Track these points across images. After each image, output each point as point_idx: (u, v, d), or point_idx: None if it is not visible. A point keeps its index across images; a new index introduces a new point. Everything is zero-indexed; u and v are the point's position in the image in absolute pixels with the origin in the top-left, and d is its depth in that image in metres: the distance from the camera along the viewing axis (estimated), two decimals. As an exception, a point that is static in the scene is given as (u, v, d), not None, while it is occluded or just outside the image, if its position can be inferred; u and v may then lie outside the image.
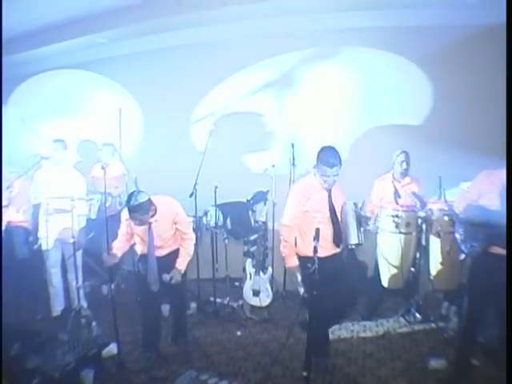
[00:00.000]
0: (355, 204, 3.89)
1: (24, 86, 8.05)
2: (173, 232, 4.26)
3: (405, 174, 5.17)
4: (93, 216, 5.42)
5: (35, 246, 5.26)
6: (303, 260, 3.79)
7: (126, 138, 6.58)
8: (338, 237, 3.90)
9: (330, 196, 3.88)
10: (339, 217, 3.89)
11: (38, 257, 5.27)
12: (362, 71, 6.43)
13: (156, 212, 4.03)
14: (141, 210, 3.86)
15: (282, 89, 6.76)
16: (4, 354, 3.84)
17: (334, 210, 3.88)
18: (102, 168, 4.27)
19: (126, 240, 4.30)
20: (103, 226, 4.47)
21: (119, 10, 6.14)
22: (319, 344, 4.02)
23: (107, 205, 5.09)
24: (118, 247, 4.23)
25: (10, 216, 5.47)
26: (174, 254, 4.29)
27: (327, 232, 3.86)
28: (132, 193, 3.91)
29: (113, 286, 4.27)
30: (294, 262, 3.86)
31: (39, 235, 5.20)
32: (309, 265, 3.19)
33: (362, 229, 3.89)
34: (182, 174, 5.62)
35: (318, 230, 3.31)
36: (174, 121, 7.01)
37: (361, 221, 3.88)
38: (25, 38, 6.90)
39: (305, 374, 3.27)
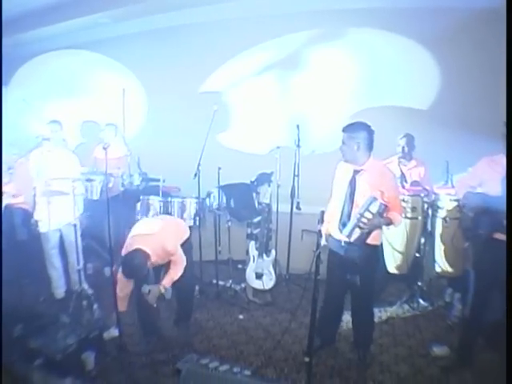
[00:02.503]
0: (379, 205, 3.46)
1: (26, 66, 7.95)
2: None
3: (410, 157, 5.19)
4: (95, 197, 5.37)
5: (37, 228, 5.23)
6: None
7: (130, 118, 6.53)
8: (344, 223, 3.70)
9: (354, 177, 3.71)
10: (355, 202, 3.67)
11: (40, 239, 5.24)
12: (368, 53, 6.33)
13: (150, 258, 3.94)
14: (137, 272, 3.88)
15: (288, 70, 6.66)
16: (7, 335, 3.84)
17: (354, 192, 3.70)
18: (104, 148, 4.21)
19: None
20: (105, 207, 4.40)
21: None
22: (326, 328, 4.08)
23: (110, 185, 5.03)
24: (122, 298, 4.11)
25: (11, 197, 5.43)
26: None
27: (336, 213, 3.80)
28: (126, 255, 3.90)
29: (114, 268, 4.21)
30: None
31: (37, 217, 5.17)
32: (313, 249, 3.13)
33: (357, 229, 3.56)
34: (185, 155, 5.57)
35: (322, 213, 3.25)
36: (177, 101, 6.90)
37: (362, 222, 3.52)
38: (27, 18, 6.79)
39: (307, 359, 3.23)
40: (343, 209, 3.75)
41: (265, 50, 6.74)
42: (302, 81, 6.61)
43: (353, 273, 3.78)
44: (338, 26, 6.34)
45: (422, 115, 5.99)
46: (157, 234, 4.12)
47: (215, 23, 6.64)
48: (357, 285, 3.78)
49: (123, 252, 4.00)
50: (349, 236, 3.59)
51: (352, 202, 3.70)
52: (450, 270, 4.75)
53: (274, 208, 5.74)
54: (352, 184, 3.71)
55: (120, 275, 3.99)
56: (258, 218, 5.45)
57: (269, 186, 5.67)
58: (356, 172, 3.70)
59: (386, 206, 3.49)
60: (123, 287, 4.06)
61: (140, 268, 3.84)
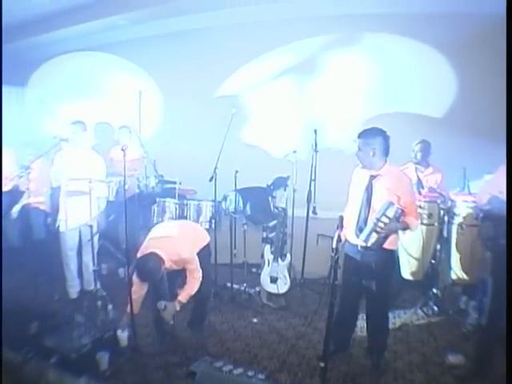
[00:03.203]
0: (396, 210, 3.45)
1: (44, 68, 8.06)
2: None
3: (426, 163, 5.19)
4: (111, 198, 5.41)
5: (54, 228, 5.26)
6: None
7: (146, 120, 6.56)
8: (361, 228, 3.71)
9: (370, 182, 3.71)
10: (372, 207, 3.67)
11: (56, 238, 5.26)
12: (384, 58, 6.31)
13: (165, 263, 3.98)
14: (151, 275, 3.92)
15: (305, 74, 6.65)
16: (23, 333, 3.88)
17: (370, 197, 3.70)
18: (122, 150, 4.23)
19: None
20: (121, 208, 4.42)
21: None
22: (341, 333, 4.05)
23: (126, 187, 5.05)
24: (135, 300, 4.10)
25: (29, 197, 5.47)
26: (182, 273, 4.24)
27: (353, 218, 3.79)
28: (141, 258, 3.94)
29: (130, 269, 4.22)
30: None
31: (59, 217, 5.19)
32: (331, 254, 3.12)
33: (374, 234, 3.57)
34: (201, 158, 5.58)
35: (341, 218, 3.23)
36: (194, 104, 6.96)
37: (378, 227, 3.53)
38: (45, 20, 6.88)
39: (322, 364, 3.21)
40: (360, 214, 3.74)
41: (281, 55, 6.74)
42: (318, 85, 6.60)
43: (369, 278, 3.78)
44: (354, 31, 6.33)
45: (437, 121, 5.96)
46: (173, 238, 4.15)
47: (232, 27, 6.66)
48: (372, 290, 3.78)
49: (138, 254, 4.02)
50: (366, 241, 3.59)
51: (369, 207, 3.70)
52: (465, 277, 4.70)
53: (289, 212, 5.72)
54: (369, 189, 3.71)
55: (135, 278, 4.01)
56: (274, 222, 5.45)
57: (285, 190, 5.68)
58: (372, 177, 3.70)
59: (403, 211, 3.49)
60: (137, 290, 4.08)
61: (154, 271, 3.87)
